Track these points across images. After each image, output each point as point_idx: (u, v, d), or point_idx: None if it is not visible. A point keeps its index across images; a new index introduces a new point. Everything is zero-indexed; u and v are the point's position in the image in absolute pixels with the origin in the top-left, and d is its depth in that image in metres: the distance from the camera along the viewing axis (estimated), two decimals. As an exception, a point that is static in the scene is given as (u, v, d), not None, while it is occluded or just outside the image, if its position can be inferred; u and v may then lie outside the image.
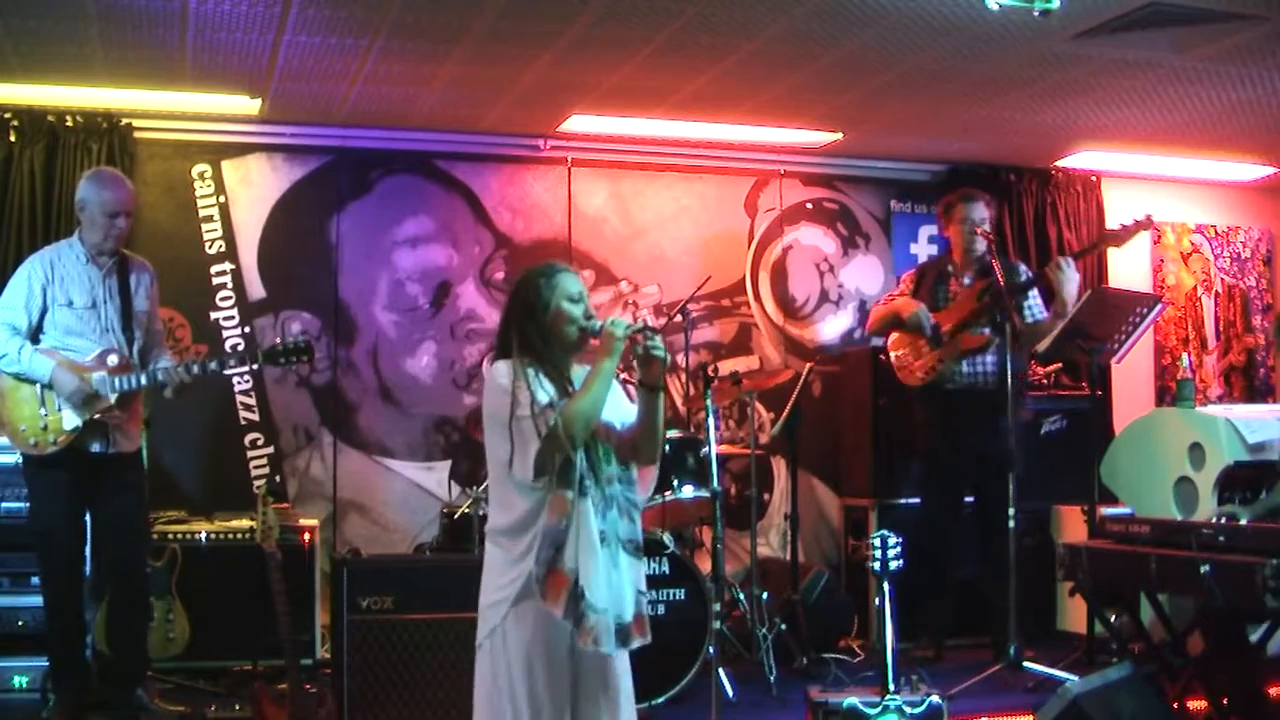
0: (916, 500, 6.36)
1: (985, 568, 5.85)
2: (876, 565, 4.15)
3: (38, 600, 4.93)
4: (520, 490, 3.21)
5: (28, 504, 4.98)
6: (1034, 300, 5.83)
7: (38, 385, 4.66)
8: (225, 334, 6.51)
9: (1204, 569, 4.16)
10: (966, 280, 5.86)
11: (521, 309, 3.35)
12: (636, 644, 3.27)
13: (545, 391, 3.22)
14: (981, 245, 5.76)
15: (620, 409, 3.38)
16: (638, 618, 3.26)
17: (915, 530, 5.83)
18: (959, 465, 5.83)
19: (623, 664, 3.32)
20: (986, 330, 5.70)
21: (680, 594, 5.23)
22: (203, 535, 5.70)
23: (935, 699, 4.04)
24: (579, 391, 3.23)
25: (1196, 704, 4.61)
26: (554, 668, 3.19)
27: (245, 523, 5.71)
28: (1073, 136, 6.94)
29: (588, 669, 3.24)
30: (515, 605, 3.17)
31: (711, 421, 4.34)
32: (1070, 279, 5.54)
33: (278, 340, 6.37)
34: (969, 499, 5.93)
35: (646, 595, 3.32)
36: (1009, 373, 5.42)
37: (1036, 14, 4.52)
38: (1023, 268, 5.94)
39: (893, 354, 6.01)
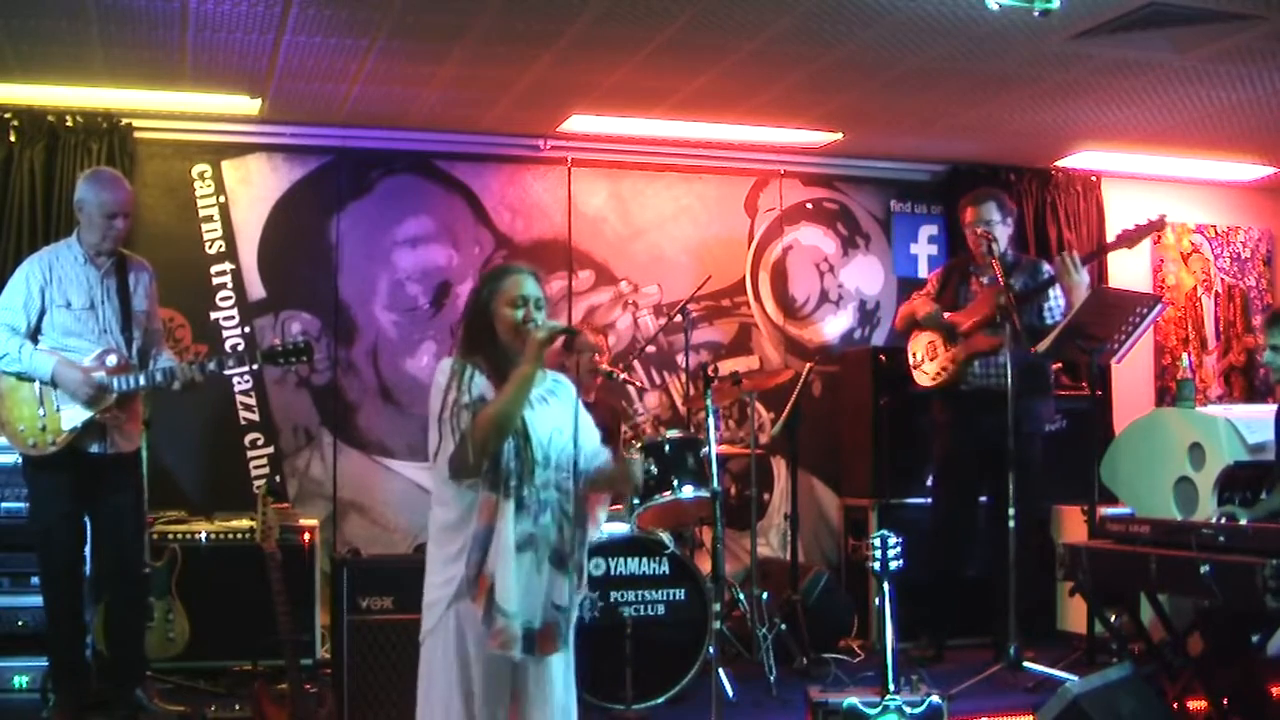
0: (918, 500, 6.37)
1: (993, 566, 5.83)
2: (876, 565, 4.15)
3: (38, 600, 4.93)
4: (451, 491, 3.23)
5: (27, 504, 4.98)
6: (1055, 300, 5.79)
7: (37, 385, 4.66)
8: (225, 334, 6.51)
9: (1204, 569, 4.15)
10: (986, 280, 5.85)
11: (468, 308, 3.41)
12: (543, 655, 3.24)
13: (477, 389, 3.22)
14: (996, 246, 5.76)
15: (586, 434, 3.36)
16: (546, 628, 3.23)
17: (930, 531, 5.86)
18: (974, 467, 5.83)
19: (561, 673, 3.32)
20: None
21: (680, 594, 5.22)
22: (203, 535, 5.70)
23: (935, 699, 4.04)
24: (495, 398, 3.22)
25: (1196, 704, 4.61)
26: (490, 669, 3.20)
27: (245, 523, 5.71)
28: (1073, 136, 6.94)
29: (525, 674, 3.25)
30: (451, 605, 3.21)
31: (711, 421, 4.36)
32: (1081, 282, 5.54)
33: (277, 340, 6.37)
34: (983, 499, 5.92)
35: (566, 611, 3.28)
36: (1020, 371, 5.42)
37: (1036, 14, 4.52)
38: (1045, 266, 5.87)
39: (910, 353, 6.01)
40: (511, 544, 3.16)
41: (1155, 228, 5.66)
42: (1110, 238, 6.66)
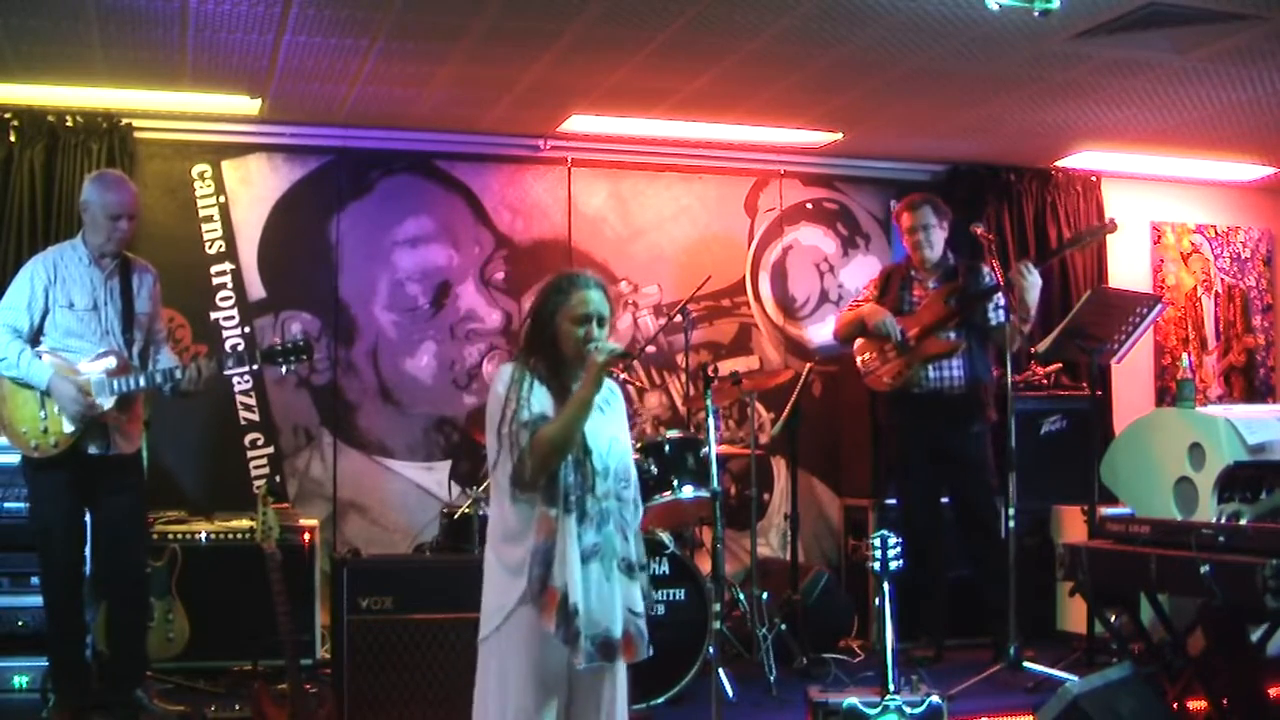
0: (893, 501, 6.38)
1: (978, 569, 5.86)
2: (876, 565, 4.15)
3: (38, 600, 4.93)
4: (512, 501, 3.23)
5: (28, 504, 4.98)
6: (998, 303, 5.77)
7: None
8: (225, 334, 6.51)
9: (1204, 569, 4.16)
10: (931, 284, 5.88)
11: (534, 314, 3.37)
12: (623, 663, 3.28)
13: (537, 404, 3.22)
14: (938, 251, 5.83)
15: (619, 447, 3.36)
16: (627, 636, 3.27)
17: (898, 532, 5.87)
18: (930, 467, 5.87)
19: (620, 678, 3.33)
20: (952, 335, 5.72)
21: (680, 594, 5.23)
22: (203, 535, 5.70)
23: (935, 699, 4.04)
24: (555, 419, 3.22)
25: (1196, 704, 4.61)
26: (549, 677, 3.21)
27: (245, 523, 5.71)
28: (1073, 136, 6.94)
29: (583, 681, 3.26)
30: (514, 613, 3.20)
31: (711, 421, 4.33)
32: (1033, 285, 5.54)
33: (277, 341, 6.37)
34: (945, 499, 5.96)
35: (641, 617, 3.31)
36: (973, 376, 5.55)
37: (1036, 14, 4.51)
38: (986, 271, 5.86)
39: (858, 359, 6.02)
40: (578, 557, 3.18)
41: (1107, 230, 5.78)
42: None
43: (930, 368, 5.77)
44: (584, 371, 3.26)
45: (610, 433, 3.34)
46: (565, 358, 3.31)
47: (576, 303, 3.30)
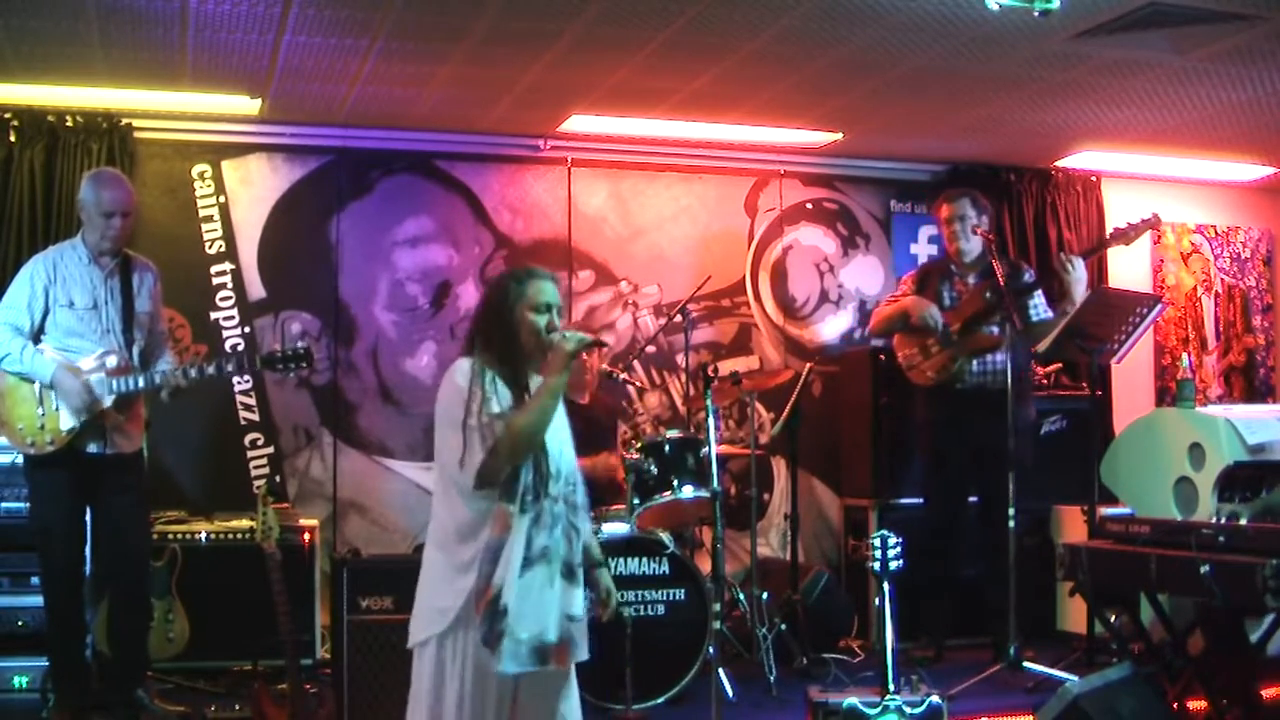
0: (918, 500, 6.32)
1: (987, 566, 5.85)
2: (876, 565, 4.15)
3: (38, 600, 4.93)
4: (465, 498, 3.17)
5: (28, 504, 4.98)
6: (1038, 300, 5.84)
7: (36, 385, 4.66)
8: (225, 334, 6.51)
9: (1204, 569, 4.15)
10: (971, 279, 5.86)
11: (488, 309, 3.32)
12: (558, 668, 3.20)
13: (500, 400, 3.17)
14: (977, 245, 5.78)
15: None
16: (561, 641, 3.19)
17: (920, 530, 5.85)
18: (964, 465, 5.83)
19: (573, 690, 3.29)
20: (996, 329, 5.70)
21: (680, 594, 5.23)
22: (203, 535, 5.71)
23: (935, 699, 4.04)
24: (524, 408, 3.18)
25: (1196, 704, 4.60)
26: (492, 680, 3.13)
27: (245, 523, 5.71)
28: (1073, 136, 6.94)
29: (532, 685, 3.20)
30: (461, 615, 3.13)
31: (711, 421, 4.35)
32: (1080, 279, 5.58)
33: (277, 344, 6.38)
34: (973, 499, 5.93)
35: (580, 621, 3.26)
36: (1017, 371, 5.45)
37: (1036, 14, 4.52)
38: (1026, 268, 5.94)
39: (900, 354, 5.98)
40: (520, 558, 3.12)
41: (1150, 225, 5.71)
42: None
43: (975, 362, 5.75)
44: (546, 364, 3.20)
45: (561, 436, 3.31)
46: (523, 353, 3.25)
47: (535, 292, 3.26)
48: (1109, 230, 7.20)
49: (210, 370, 4.77)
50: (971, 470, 5.83)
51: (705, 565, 5.44)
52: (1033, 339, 5.83)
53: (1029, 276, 5.83)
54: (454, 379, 3.21)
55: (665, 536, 5.30)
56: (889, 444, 6.71)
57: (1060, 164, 7.56)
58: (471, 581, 3.12)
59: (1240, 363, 8.20)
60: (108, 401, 4.68)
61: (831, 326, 7.47)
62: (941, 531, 5.83)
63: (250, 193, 6.61)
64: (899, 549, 4.16)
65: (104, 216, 4.75)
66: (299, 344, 5.12)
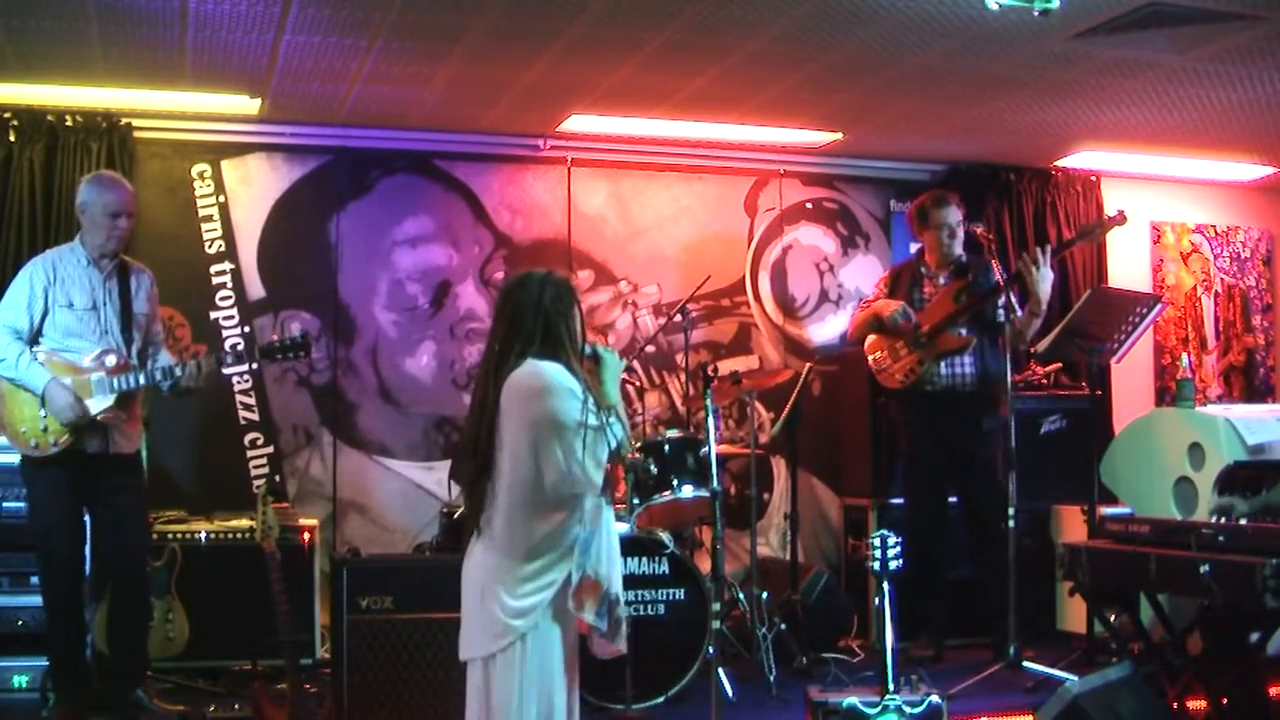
0: (899, 500, 6.36)
1: (982, 569, 5.86)
2: (876, 565, 4.15)
3: (38, 600, 4.93)
4: (564, 498, 3.26)
5: (27, 504, 4.98)
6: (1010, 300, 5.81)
7: (36, 387, 4.67)
8: (225, 334, 6.51)
9: (1204, 569, 4.15)
10: (942, 281, 5.88)
11: (560, 310, 3.37)
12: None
13: (599, 417, 3.28)
14: (958, 248, 5.81)
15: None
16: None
17: (900, 530, 5.86)
18: (941, 466, 5.86)
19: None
20: (964, 331, 5.72)
21: (680, 594, 5.23)
22: (202, 535, 5.70)
23: (935, 699, 4.04)
24: (616, 416, 3.32)
25: (1196, 704, 4.60)
26: (572, 666, 3.34)
27: (245, 523, 5.71)
28: (1073, 136, 6.94)
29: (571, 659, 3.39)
30: (547, 611, 3.25)
31: (711, 421, 4.34)
32: (1045, 277, 5.57)
33: (275, 338, 6.36)
34: (953, 499, 5.95)
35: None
36: (985, 373, 5.53)
37: (1036, 14, 4.52)
38: (994, 266, 5.87)
39: (870, 358, 6.01)
40: (612, 548, 3.35)
41: (1116, 222, 5.75)
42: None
43: (943, 365, 5.77)
44: (597, 375, 3.36)
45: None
46: (581, 356, 3.39)
47: (580, 309, 3.42)
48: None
49: (210, 363, 4.78)
50: (950, 471, 5.86)
51: (705, 565, 5.43)
52: (1015, 339, 5.82)
53: (995, 279, 5.75)
54: (561, 384, 3.25)
55: (665, 536, 5.30)
56: (888, 444, 6.70)
57: (1060, 164, 7.56)
58: (556, 576, 3.24)
59: (1240, 363, 8.20)
60: (103, 405, 4.67)
61: (831, 326, 7.47)
62: (919, 533, 5.83)
63: (250, 192, 6.61)
64: (899, 549, 4.16)
65: (110, 218, 4.76)
66: (296, 335, 5.12)
